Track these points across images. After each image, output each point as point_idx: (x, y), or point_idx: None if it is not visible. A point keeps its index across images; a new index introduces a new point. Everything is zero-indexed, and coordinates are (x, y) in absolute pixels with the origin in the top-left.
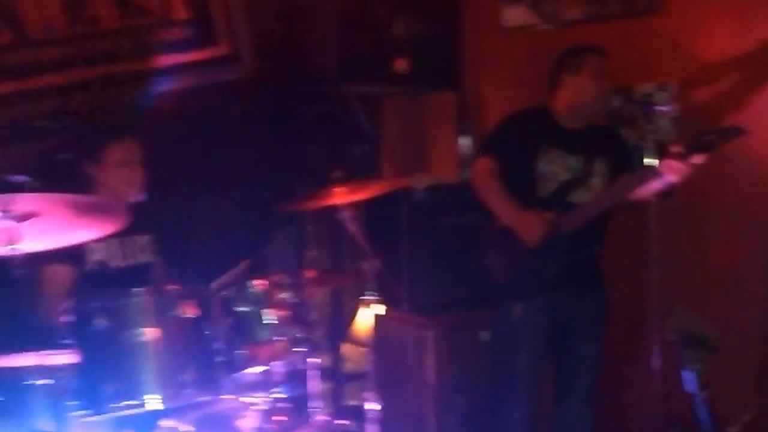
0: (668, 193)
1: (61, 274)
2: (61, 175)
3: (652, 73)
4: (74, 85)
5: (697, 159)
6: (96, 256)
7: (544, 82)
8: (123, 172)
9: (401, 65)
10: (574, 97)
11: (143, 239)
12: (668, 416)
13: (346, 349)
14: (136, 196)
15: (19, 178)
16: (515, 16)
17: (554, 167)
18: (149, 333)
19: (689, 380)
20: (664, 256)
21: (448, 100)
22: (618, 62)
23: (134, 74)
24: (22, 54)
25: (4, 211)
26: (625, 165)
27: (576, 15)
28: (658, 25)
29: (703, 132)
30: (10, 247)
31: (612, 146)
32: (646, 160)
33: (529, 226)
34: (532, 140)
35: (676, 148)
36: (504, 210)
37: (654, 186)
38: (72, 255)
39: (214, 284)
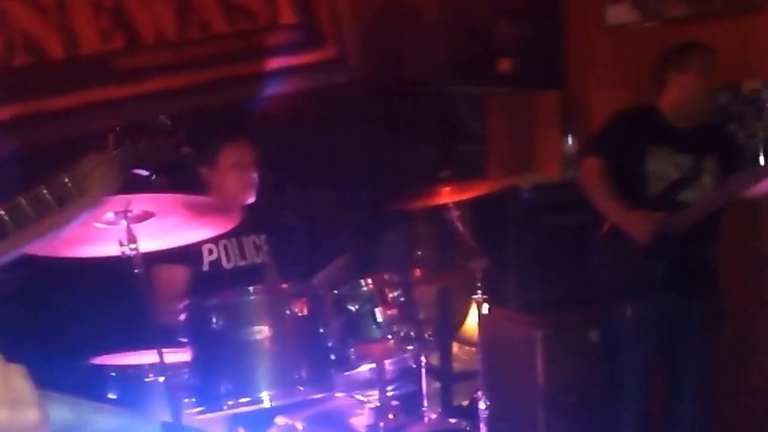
0: None
1: (175, 274)
2: (176, 175)
3: (759, 70)
4: (185, 89)
5: None
6: (211, 257)
7: (649, 81)
8: (237, 175)
9: (506, 65)
10: (681, 95)
11: (257, 240)
12: None
13: (456, 348)
14: (248, 198)
15: (143, 172)
16: (619, 14)
17: (664, 166)
18: (264, 331)
19: None
20: None
21: (552, 99)
22: (724, 59)
23: (243, 78)
24: (134, 58)
25: (124, 212)
26: (735, 163)
27: (680, 12)
28: (763, 21)
29: None
30: (128, 246)
31: (721, 144)
32: (757, 158)
33: (638, 225)
34: (640, 139)
35: None
36: (612, 209)
37: (766, 184)
38: (187, 256)
39: (317, 278)
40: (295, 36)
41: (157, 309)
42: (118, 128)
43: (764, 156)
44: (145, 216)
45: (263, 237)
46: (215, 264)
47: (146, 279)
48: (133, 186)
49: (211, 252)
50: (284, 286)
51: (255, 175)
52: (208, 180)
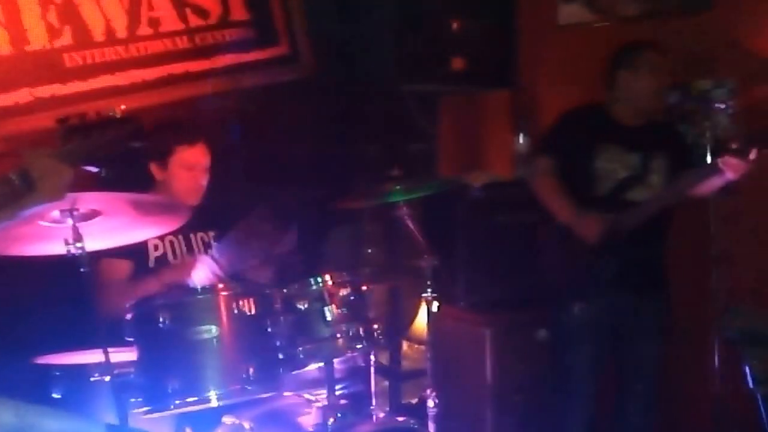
0: (728, 190)
1: (118, 268)
2: (123, 171)
3: (709, 70)
4: (134, 86)
5: (756, 155)
6: (157, 252)
7: (600, 79)
8: (187, 176)
9: (457, 64)
10: (631, 94)
11: (205, 236)
12: (729, 416)
13: (405, 346)
14: (194, 201)
15: (93, 169)
16: (571, 13)
17: (612, 165)
18: (211, 330)
19: (749, 377)
20: (725, 255)
21: (503, 98)
22: (675, 58)
23: (194, 75)
24: (83, 55)
25: (70, 210)
26: (685, 161)
27: (632, 11)
28: (713, 21)
29: (762, 128)
30: (74, 245)
31: (671, 142)
32: (706, 157)
33: (588, 225)
34: (589, 138)
35: (734, 145)
36: (562, 209)
37: (714, 183)
38: (131, 251)
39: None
40: (246, 33)
41: (100, 303)
42: (65, 122)
43: (713, 155)
44: (92, 214)
45: (211, 233)
46: (161, 260)
47: (92, 277)
48: (82, 183)
49: (156, 248)
50: (233, 284)
51: (205, 178)
52: (156, 177)
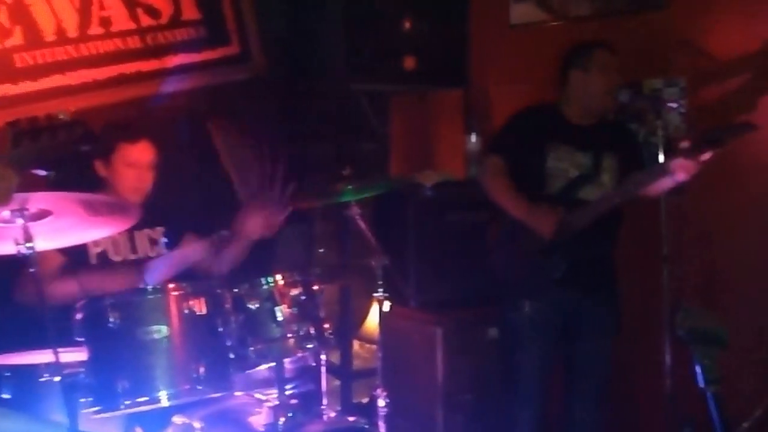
0: (678, 190)
1: (48, 258)
2: (71, 171)
3: (660, 69)
4: (85, 85)
5: (707, 155)
6: (97, 249)
7: (552, 79)
8: (130, 174)
9: (409, 63)
10: (582, 93)
11: (152, 233)
12: (679, 415)
13: (356, 346)
14: (138, 198)
15: (41, 172)
16: (523, 13)
17: (563, 164)
18: (161, 330)
19: (700, 376)
20: (675, 254)
21: (456, 97)
22: (627, 57)
23: (145, 74)
24: (33, 55)
25: (20, 210)
26: (635, 161)
27: (584, 11)
28: (665, 21)
29: (713, 128)
30: (24, 245)
31: (622, 142)
32: (657, 156)
33: (542, 219)
34: (540, 137)
35: (685, 144)
36: (517, 206)
37: (664, 183)
38: (69, 249)
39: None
40: (197, 32)
41: (22, 290)
42: (15, 126)
43: (663, 154)
44: (42, 214)
45: (160, 230)
46: (102, 257)
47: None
48: (30, 185)
49: (97, 244)
50: (183, 283)
51: (151, 177)
52: (100, 173)
